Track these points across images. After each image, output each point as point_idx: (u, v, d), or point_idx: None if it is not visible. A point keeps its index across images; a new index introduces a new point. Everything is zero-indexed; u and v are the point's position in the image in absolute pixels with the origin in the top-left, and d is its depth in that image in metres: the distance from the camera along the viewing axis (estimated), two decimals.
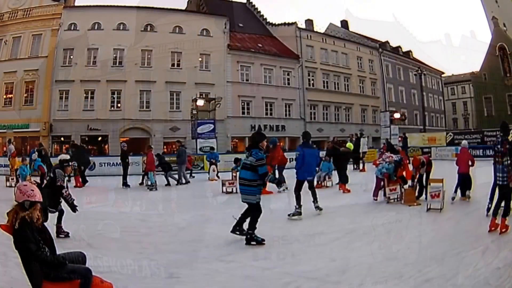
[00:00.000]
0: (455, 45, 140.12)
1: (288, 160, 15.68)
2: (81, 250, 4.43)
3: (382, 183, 10.75)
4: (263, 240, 6.70)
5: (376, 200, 10.63)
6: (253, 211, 6.86)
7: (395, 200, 10.34)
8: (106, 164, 22.94)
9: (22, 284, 3.76)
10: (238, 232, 6.97)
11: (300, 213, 9.11)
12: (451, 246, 6.00)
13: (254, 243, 6.64)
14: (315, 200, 9.61)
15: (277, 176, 13.93)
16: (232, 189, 13.53)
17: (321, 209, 9.55)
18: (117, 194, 14.12)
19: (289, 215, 9.07)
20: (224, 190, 13.64)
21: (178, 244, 6.83)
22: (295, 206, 9.19)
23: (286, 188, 12.18)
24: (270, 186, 12.91)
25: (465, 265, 5.09)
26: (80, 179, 16.75)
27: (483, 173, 11.55)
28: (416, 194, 10.25)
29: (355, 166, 22.16)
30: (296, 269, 5.28)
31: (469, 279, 4.62)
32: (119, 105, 34.44)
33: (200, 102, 27.11)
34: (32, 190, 3.87)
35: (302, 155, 9.78)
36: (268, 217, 9.20)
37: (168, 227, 8.18)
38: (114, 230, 7.95)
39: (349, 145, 18.06)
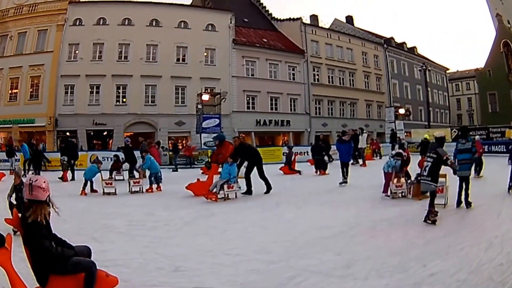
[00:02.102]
0: (460, 41, 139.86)
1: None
2: (86, 243, 4.46)
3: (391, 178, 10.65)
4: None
5: (389, 196, 10.39)
6: (468, 184, 8.58)
7: (401, 195, 10.33)
8: (109, 159, 22.99)
9: (26, 278, 3.79)
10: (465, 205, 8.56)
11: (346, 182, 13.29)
12: (455, 241, 6.00)
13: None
14: (345, 176, 13.43)
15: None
16: (140, 188, 12.97)
17: (346, 182, 13.28)
18: (122, 188, 14.17)
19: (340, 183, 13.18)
20: (132, 189, 12.84)
21: (183, 237, 6.87)
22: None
23: (239, 187, 11.85)
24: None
25: (468, 261, 5.10)
26: (67, 174, 16.94)
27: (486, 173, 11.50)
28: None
29: (353, 162, 22.22)
30: (301, 263, 5.29)
31: (472, 275, 4.63)
32: (124, 99, 34.63)
33: (205, 97, 27.13)
34: (47, 185, 3.92)
35: (339, 147, 14.90)
36: (274, 212, 9.27)
37: (174, 221, 8.21)
38: (120, 224, 8.01)
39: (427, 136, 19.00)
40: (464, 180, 8.59)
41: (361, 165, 21.13)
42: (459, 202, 8.60)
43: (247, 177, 11.95)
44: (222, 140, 12.95)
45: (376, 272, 4.88)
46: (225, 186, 10.94)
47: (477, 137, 15.19)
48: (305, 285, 4.59)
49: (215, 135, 17.33)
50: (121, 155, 17.15)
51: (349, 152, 14.76)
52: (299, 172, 17.82)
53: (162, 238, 6.82)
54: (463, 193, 8.59)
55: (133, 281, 4.69)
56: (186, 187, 11.91)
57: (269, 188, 11.94)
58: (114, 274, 4.19)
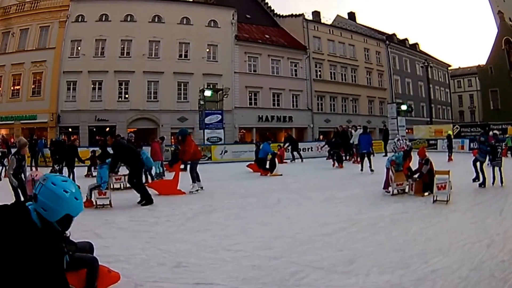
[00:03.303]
0: (462, 38, 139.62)
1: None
2: (88, 239, 4.47)
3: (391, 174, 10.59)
4: None
5: (389, 192, 10.35)
6: (483, 167, 11.02)
7: (403, 192, 10.28)
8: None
9: None
10: None
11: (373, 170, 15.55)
12: (457, 238, 5.99)
13: None
14: (370, 166, 16.04)
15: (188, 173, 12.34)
16: (121, 185, 12.27)
17: (372, 171, 15.55)
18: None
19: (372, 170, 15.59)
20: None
21: (185, 233, 6.86)
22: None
23: (201, 187, 11.70)
24: (182, 187, 11.43)
25: (470, 258, 5.09)
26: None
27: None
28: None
29: (347, 158, 22.10)
30: (303, 258, 5.29)
31: (474, 272, 4.62)
32: (126, 95, 34.67)
33: (208, 93, 27.12)
34: None
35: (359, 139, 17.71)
36: (276, 208, 9.26)
37: (176, 217, 8.22)
38: (122, 219, 8.01)
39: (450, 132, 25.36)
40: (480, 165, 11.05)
41: (353, 162, 20.91)
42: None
43: (137, 185, 9.98)
44: (185, 135, 11.83)
45: (377, 268, 4.87)
46: (96, 192, 9.39)
47: (490, 132, 17.77)
48: (306, 281, 4.58)
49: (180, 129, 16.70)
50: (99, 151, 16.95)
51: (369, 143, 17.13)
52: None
53: (163, 233, 6.83)
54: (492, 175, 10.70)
55: (135, 276, 4.70)
56: (148, 185, 11.26)
57: (144, 199, 9.73)
58: (116, 270, 4.18)
